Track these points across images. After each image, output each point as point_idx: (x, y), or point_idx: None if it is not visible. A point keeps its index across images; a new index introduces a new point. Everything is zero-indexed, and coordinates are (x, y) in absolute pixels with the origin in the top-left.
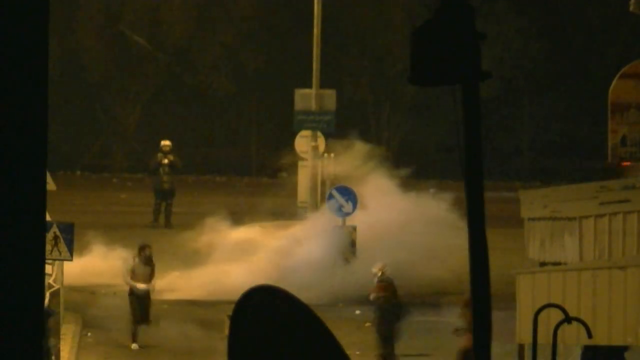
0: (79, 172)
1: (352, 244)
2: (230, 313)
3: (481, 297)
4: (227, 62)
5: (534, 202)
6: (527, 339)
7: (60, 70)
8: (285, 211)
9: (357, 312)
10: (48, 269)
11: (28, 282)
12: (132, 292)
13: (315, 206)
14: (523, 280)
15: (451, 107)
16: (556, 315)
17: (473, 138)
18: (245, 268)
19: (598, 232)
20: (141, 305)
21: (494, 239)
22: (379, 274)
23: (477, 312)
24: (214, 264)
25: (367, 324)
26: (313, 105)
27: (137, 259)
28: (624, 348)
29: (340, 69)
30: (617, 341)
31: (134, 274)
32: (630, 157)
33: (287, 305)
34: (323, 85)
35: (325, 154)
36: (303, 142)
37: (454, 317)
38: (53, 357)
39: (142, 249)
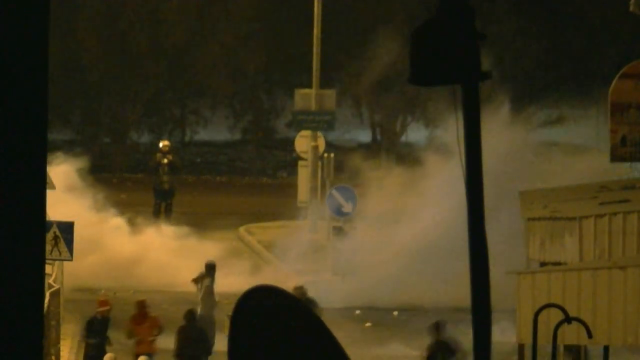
0: None
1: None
2: (230, 313)
3: (481, 298)
4: (227, 62)
5: (534, 202)
6: (527, 339)
7: (60, 70)
8: (285, 211)
9: (357, 312)
10: (48, 269)
11: (28, 282)
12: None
13: (315, 206)
14: (523, 280)
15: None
16: (556, 315)
17: (473, 138)
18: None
19: (598, 232)
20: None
21: None
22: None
23: (477, 313)
24: None
25: (367, 324)
26: (313, 105)
27: (204, 278)
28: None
29: (340, 69)
30: (617, 341)
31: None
32: (630, 157)
33: (287, 305)
34: (323, 85)
35: (325, 154)
36: (303, 142)
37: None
38: (53, 358)
39: (210, 267)
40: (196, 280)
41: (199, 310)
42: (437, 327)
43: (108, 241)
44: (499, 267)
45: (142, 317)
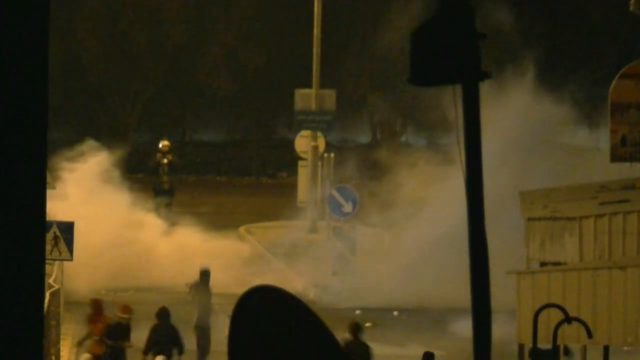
0: None
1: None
2: (230, 313)
3: (481, 298)
4: (227, 62)
5: (534, 202)
6: (527, 339)
7: (60, 70)
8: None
9: (357, 312)
10: (48, 269)
11: (28, 282)
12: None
13: (315, 206)
14: (523, 280)
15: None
16: (556, 315)
17: (473, 138)
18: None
19: (598, 232)
20: (199, 337)
21: None
22: None
23: (477, 314)
24: None
25: (367, 324)
26: (313, 105)
27: (198, 284)
28: None
29: (340, 69)
30: (617, 341)
31: (194, 301)
32: (630, 157)
33: (287, 305)
34: (323, 85)
35: (325, 154)
36: (303, 142)
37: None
38: (53, 358)
39: (204, 274)
40: (190, 287)
41: (194, 319)
42: (355, 329)
43: (128, 239)
44: (499, 266)
45: (97, 316)
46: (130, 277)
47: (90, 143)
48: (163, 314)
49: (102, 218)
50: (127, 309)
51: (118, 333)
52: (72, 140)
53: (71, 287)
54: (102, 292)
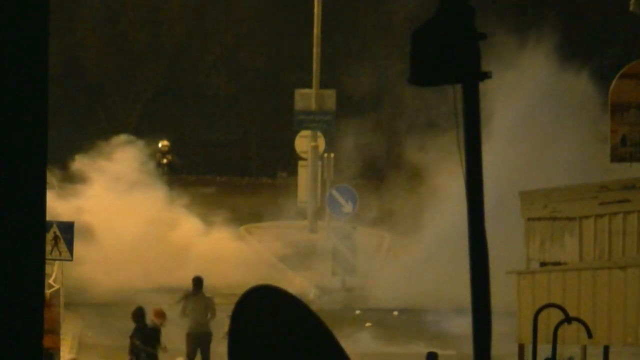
0: None
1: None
2: (230, 313)
3: (481, 298)
4: (227, 62)
5: (534, 202)
6: (527, 339)
7: (60, 70)
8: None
9: (357, 312)
10: (48, 269)
11: (28, 282)
12: (189, 331)
13: (315, 206)
14: (523, 280)
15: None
16: (556, 315)
17: (473, 138)
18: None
19: (598, 232)
20: (196, 346)
21: None
22: None
23: (477, 313)
24: None
25: (367, 324)
26: (313, 105)
27: (190, 291)
28: None
29: (340, 69)
30: (617, 341)
31: (186, 309)
32: (630, 157)
33: (287, 305)
34: (323, 85)
35: (325, 154)
36: (303, 142)
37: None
38: (54, 358)
39: (195, 280)
40: (181, 298)
41: (187, 327)
42: None
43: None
44: (499, 266)
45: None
46: (138, 278)
47: (122, 137)
48: (138, 314)
49: (132, 214)
50: (160, 313)
51: (148, 337)
52: (75, 140)
53: (99, 289)
54: (102, 292)
